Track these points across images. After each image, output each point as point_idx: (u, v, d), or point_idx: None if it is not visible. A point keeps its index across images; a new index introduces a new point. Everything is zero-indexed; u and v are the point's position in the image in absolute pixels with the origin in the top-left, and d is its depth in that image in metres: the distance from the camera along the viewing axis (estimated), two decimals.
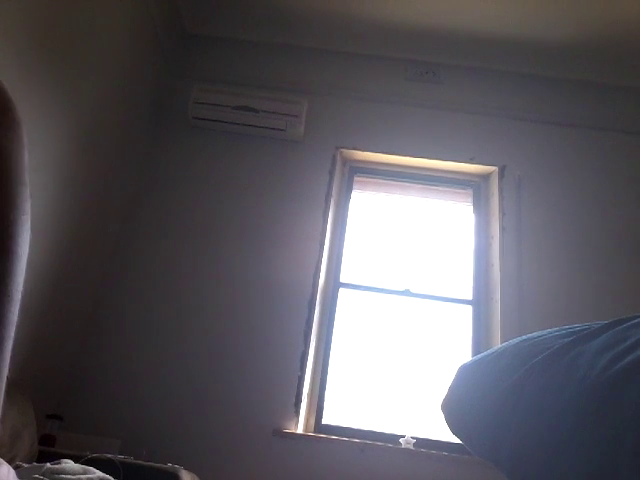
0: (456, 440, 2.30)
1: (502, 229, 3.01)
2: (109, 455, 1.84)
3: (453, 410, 0.70)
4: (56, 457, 1.68)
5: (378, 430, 2.70)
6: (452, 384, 0.73)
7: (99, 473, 1.55)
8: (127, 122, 2.93)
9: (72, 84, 2.36)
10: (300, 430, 2.62)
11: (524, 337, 0.66)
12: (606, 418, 0.44)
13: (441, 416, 0.75)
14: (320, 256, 2.92)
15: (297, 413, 2.61)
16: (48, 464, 1.49)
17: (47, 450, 1.93)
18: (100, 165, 2.69)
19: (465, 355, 2.89)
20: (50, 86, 2.20)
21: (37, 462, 1.66)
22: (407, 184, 3.32)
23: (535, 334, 0.65)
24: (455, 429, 0.70)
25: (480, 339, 2.91)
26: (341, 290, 3.04)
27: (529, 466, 0.51)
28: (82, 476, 1.48)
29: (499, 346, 0.68)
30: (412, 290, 3.03)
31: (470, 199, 3.30)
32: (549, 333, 0.62)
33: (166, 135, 3.23)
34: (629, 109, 3.32)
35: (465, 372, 0.71)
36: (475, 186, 3.32)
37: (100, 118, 2.64)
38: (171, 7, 3.15)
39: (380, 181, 3.35)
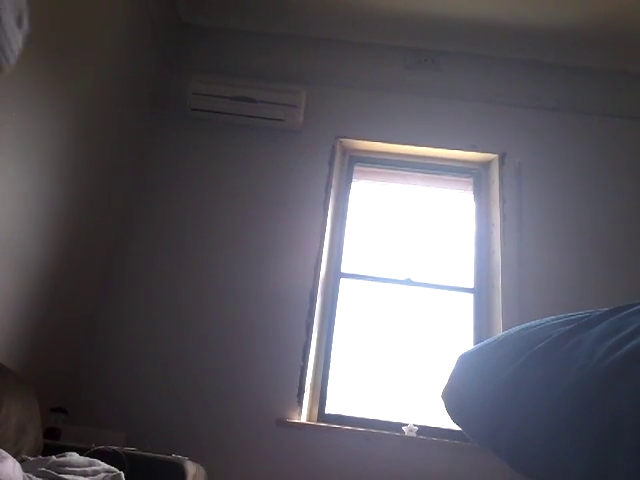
0: (458, 427, 2.31)
1: (503, 216, 3.01)
2: (114, 447, 1.85)
3: (453, 398, 0.71)
4: (61, 450, 1.69)
5: (381, 418, 2.72)
6: (452, 373, 0.74)
7: (104, 465, 1.56)
8: (125, 115, 2.92)
9: (69, 78, 2.34)
10: (303, 420, 2.64)
11: (523, 326, 0.66)
12: (604, 405, 0.44)
13: (442, 404, 0.76)
14: (321, 246, 2.92)
15: (300, 403, 2.63)
16: (53, 457, 1.50)
17: (52, 443, 1.94)
18: (98, 159, 2.69)
19: (467, 343, 2.90)
20: (47, 80, 2.18)
21: (42, 455, 1.68)
22: (407, 173, 3.31)
23: (534, 322, 0.65)
24: (455, 417, 0.70)
25: (482, 327, 2.92)
26: (342, 280, 3.04)
27: (528, 453, 0.51)
28: (87, 468, 1.49)
29: (499, 335, 0.68)
30: (413, 279, 3.03)
31: (470, 187, 3.29)
32: (548, 321, 0.62)
33: (165, 127, 3.21)
34: (629, 94, 3.29)
35: (465, 361, 0.71)
36: (475, 174, 3.30)
37: (98, 112, 2.63)
38: None
39: (380, 170, 3.33)
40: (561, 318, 0.61)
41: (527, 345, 0.58)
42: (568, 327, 0.56)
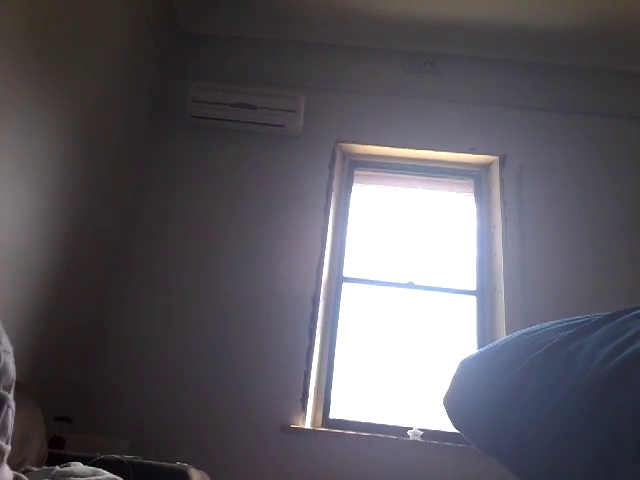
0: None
1: (504, 219, 3.00)
2: (118, 456, 1.85)
3: (455, 404, 0.71)
4: (65, 459, 1.69)
5: (385, 423, 2.71)
6: (454, 379, 0.73)
7: (108, 474, 1.56)
8: (126, 123, 2.93)
9: (68, 85, 2.35)
10: (308, 425, 2.63)
11: (524, 330, 0.65)
12: (605, 411, 0.44)
13: (444, 410, 0.76)
14: (322, 251, 2.92)
15: (304, 408, 2.62)
16: (57, 467, 1.50)
17: (56, 452, 1.94)
18: (99, 166, 2.69)
19: (470, 345, 2.90)
20: (47, 86, 2.20)
21: (46, 465, 1.68)
22: (408, 176, 3.31)
23: (535, 327, 0.65)
24: (457, 423, 0.70)
25: (485, 329, 2.91)
26: (344, 284, 3.04)
27: (528, 458, 0.51)
28: (91, 478, 1.49)
29: (500, 340, 0.68)
30: (415, 282, 3.03)
31: (471, 189, 3.29)
32: (549, 326, 0.62)
33: (165, 134, 3.22)
34: (629, 94, 3.29)
35: (466, 367, 0.71)
36: (476, 176, 3.30)
37: (99, 119, 2.64)
38: (166, 6, 3.14)
39: (380, 174, 3.34)
40: (562, 323, 0.61)
41: (528, 350, 0.58)
42: (568, 332, 0.56)
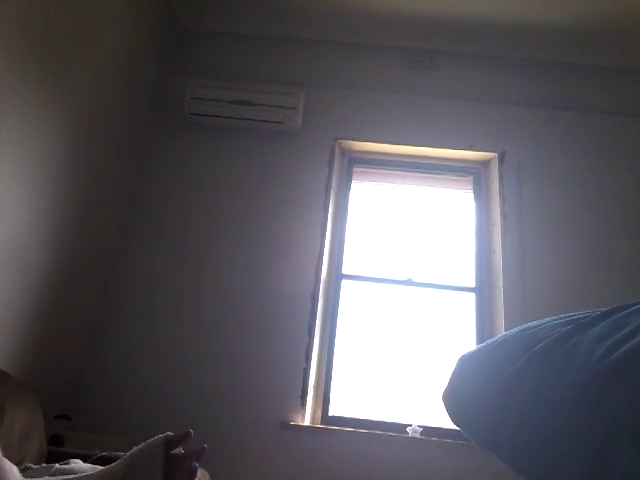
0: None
1: (503, 215, 3.00)
2: (118, 453, 1.85)
3: (454, 400, 0.71)
4: (65, 457, 1.69)
5: (385, 420, 2.72)
6: (452, 375, 0.74)
7: None
8: (124, 120, 2.92)
9: (67, 83, 2.35)
10: (307, 422, 2.64)
11: (523, 326, 0.66)
12: (604, 405, 0.44)
13: (443, 406, 0.76)
14: (322, 248, 2.92)
15: (304, 405, 2.62)
16: (57, 464, 1.50)
17: (56, 450, 1.94)
18: (97, 163, 2.69)
19: (469, 343, 2.90)
20: (46, 85, 2.19)
21: (46, 462, 1.68)
22: (407, 173, 3.31)
23: (534, 323, 0.65)
24: (456, 419, 0.70)
25: (484, 326, 2.92)
26: (344, 282, 3.04)
27: (528, 454, 0.51)
28: None
29: (499, 336, 0.68)
30: (414, 279, 3.03)
31: (470, 186, 3.29)
32: (548, 322, 0.62)
33: (164, 132, 3.22)
34: (628, 91, 3.29)
35: (465, 363, 0.71)
36: (475, 173, 3.30)
37: (98, 118, 2.63)
38: (164, 4, 3.13)
39: (379, 171, 3.33)
40: (561, 318, 0.61)
41: (527, 346, 0.58)
42: (567, 328, 0.56)
